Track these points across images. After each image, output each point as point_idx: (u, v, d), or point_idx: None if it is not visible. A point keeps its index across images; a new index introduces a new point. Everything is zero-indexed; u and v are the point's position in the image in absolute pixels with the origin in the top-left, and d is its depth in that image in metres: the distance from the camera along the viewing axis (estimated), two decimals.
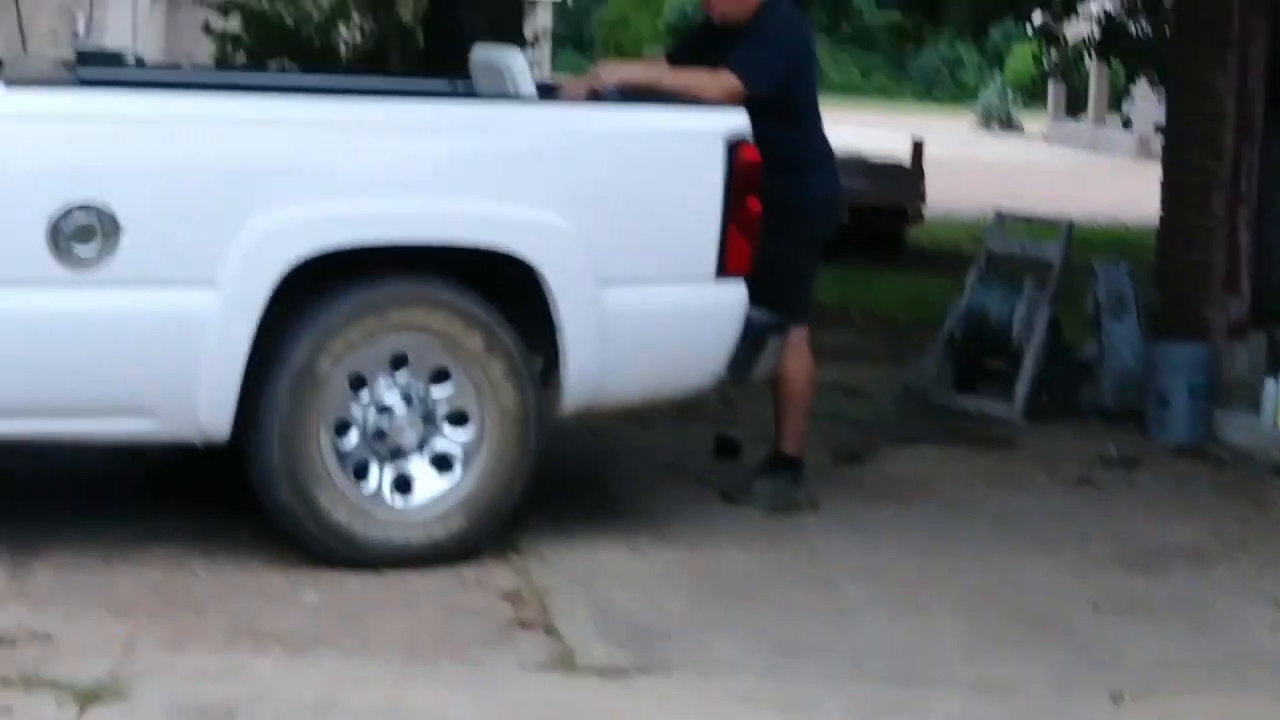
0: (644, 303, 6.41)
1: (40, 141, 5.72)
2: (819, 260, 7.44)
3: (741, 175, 6.44)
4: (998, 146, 42.42)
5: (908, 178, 18.16)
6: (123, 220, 5.70)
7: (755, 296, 6.63)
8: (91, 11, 37.40)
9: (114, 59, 28.52)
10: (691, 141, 6.50)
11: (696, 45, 7.49)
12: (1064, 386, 9.56)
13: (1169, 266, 9.93)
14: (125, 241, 5.72)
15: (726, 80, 6.83)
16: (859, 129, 26.80)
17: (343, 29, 17.49)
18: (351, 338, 6.04)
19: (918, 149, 18.44)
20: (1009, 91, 52.81)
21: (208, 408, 5.91)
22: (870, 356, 11.06)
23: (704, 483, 7.62)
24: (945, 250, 18.33)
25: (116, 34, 39.64)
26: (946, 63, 64.56)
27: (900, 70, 64.26)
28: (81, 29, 36.30)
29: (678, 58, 7.39)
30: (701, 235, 6.43)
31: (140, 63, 30.71)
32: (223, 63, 17.77)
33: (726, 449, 8.15)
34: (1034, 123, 49.72)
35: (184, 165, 5.85)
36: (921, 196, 18.04)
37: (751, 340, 6.65)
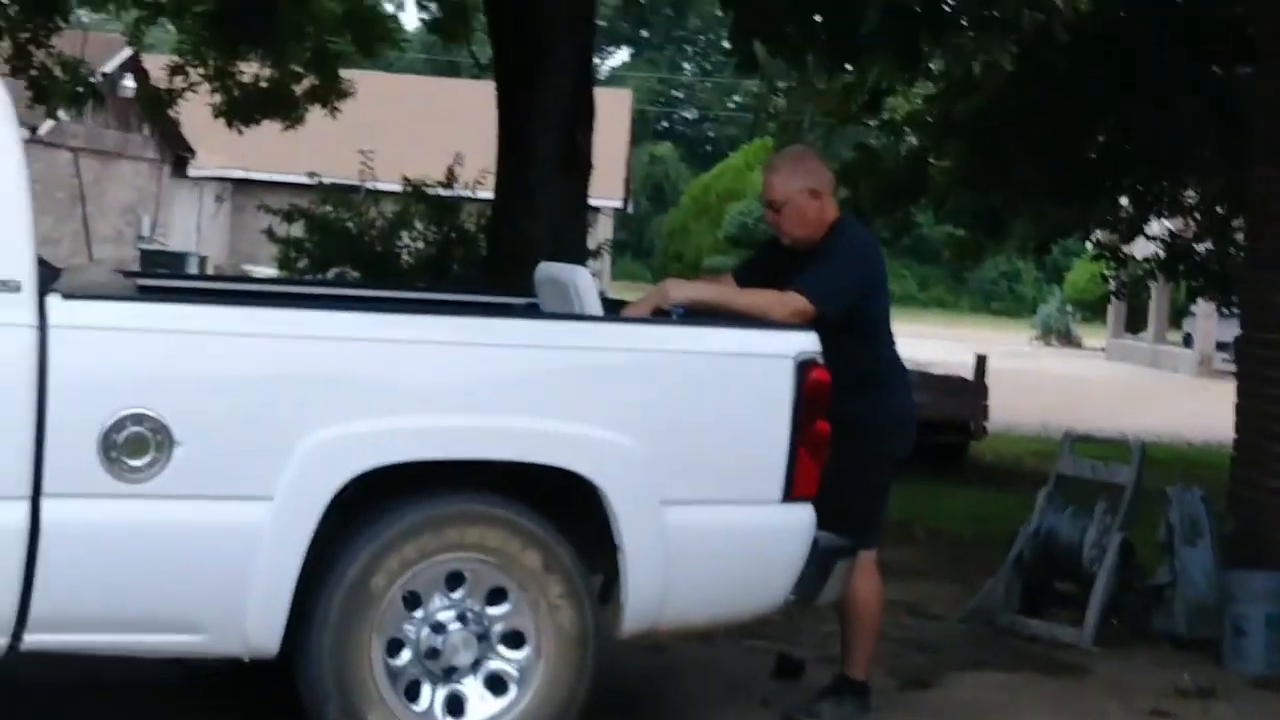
0: (708, 524, 6.25)
1: (95, 352, 5.61)
2: (891, 481, 7.29)
3: (811, 396, 6.30)
4: (1057, 361, 42.37)
5: (971, 392, 18.03)
6: (177, 433, 5.60)
7: (826, 517, 6.47)
8: (157, 214, 37.92)
9: (176, 261, 28.83)
10: (760, 362, 6.37)
11: (764, 263, 7.39)
12: (1136, 612, 9.34)
13: (1244, 492, 9.74)
14: (179, 454, 5.60)
15: (795, 302, 6.73)
16: (917, 341, 26.76)
17: (405, 236, 17.55)
18: (408, 555, 5.90)
19: (981, 363, 18.33)
20: (1069, 306, 52.89)
21: (257, 622, 5.75)
22: (934, 574, 10.87)
23: (766, 704, 7.40)
24: (1008, 465, 18.19)
25: (181, 235, 40.19)
26: (1005, 276, 64.79)
27: (958, 282, 64.54)
28: (147, 230, 36.79)
29: (745, 275, 7.30)
30: (769, 457, 6.28)
31: (203, 264, 31.07)
32: (285, 267, 17.88)
33: (789, 669, 7.94)
34: (1093, 337, 49.75)
35: (242, 378, 5.75)
36: (985, 412, 17.90)
37: (819, 564, 6.48)
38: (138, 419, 5.56)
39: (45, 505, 5.51)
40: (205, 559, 5.68)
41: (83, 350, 5.58)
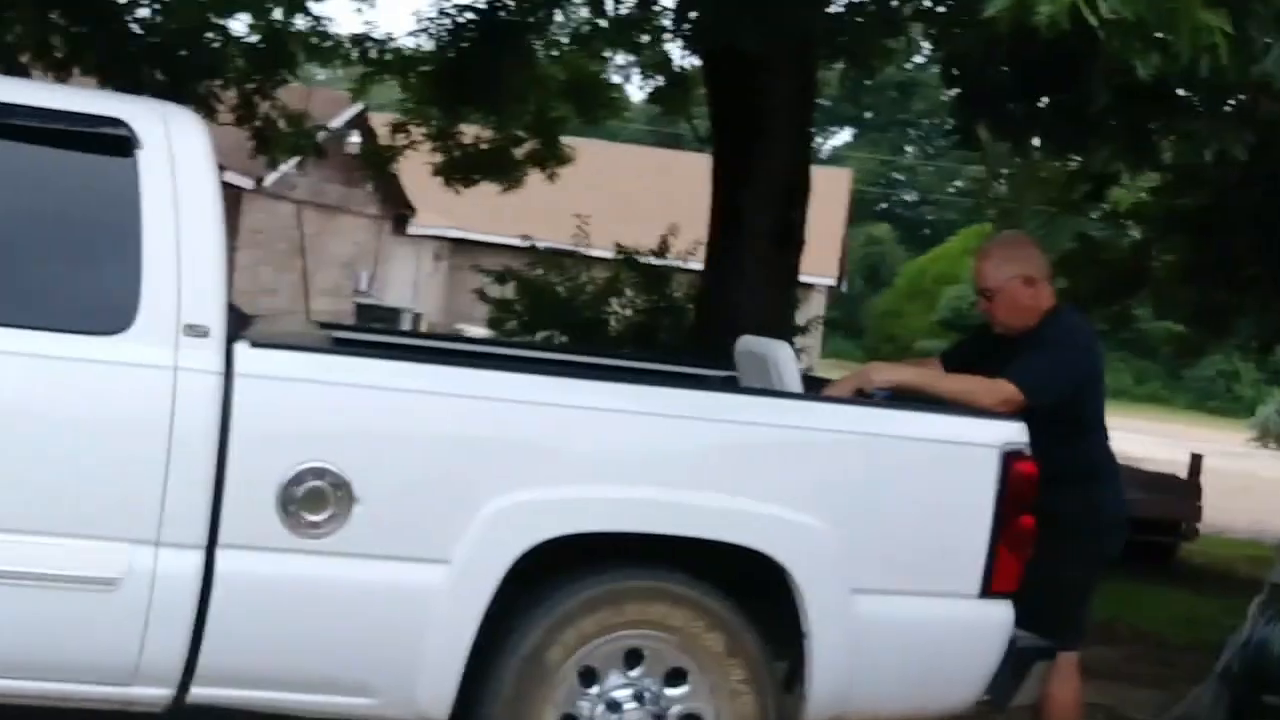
0: (900, 616, 6.00)
1: (280, 402, 5.50)
2: (1098, 581, 6.98)
3: (1016, 489, 6.02)
4: (1274, 464, 41.28)
5: (1183, 491, 17.52)
6: (357, 490, 5.47)
7: (1027, 614, 6.19)
8: (375, 269, 38.34)
9: (391, 316, 29.20)
10: (964, 451, 6.10)
11: (974, 349, 7.15)
12: None
13: None
14: (358, 511, 5.47)
15: (1005, 389, 6.47)
16: (1130, 435, 26.19)
17: (615, 303, 17.52)
18: (586, 629, 5.73)
19: (1196, 462, 17.82)
20: None
21: (429, 689, 5.59)
22: (1136, 678, 10.52)
23: None
24: (1219, 569, 17.67)
25: (398, 292, 40.61)
26: (1223, 375, 63.50)
27: (1175, 378, 63.30)
28: (364, 285, 37.20)
29: (952, 359, 7.07)
30: (968, 550, 6.01)
31: (417, 321, 31.51)
32: (495, 327, 17.97)
33: None
34: None
35: (426, 437, 5.61)
36: (1198, 513, 17.38)
37: (1016, 664, 6.20)
38: (318, 473, 5.44)
39: (220, 555, 5.41)
40: (378, 621, 5.54)
41: (267, 400, 5.47)
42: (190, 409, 5.39)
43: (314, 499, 5.44)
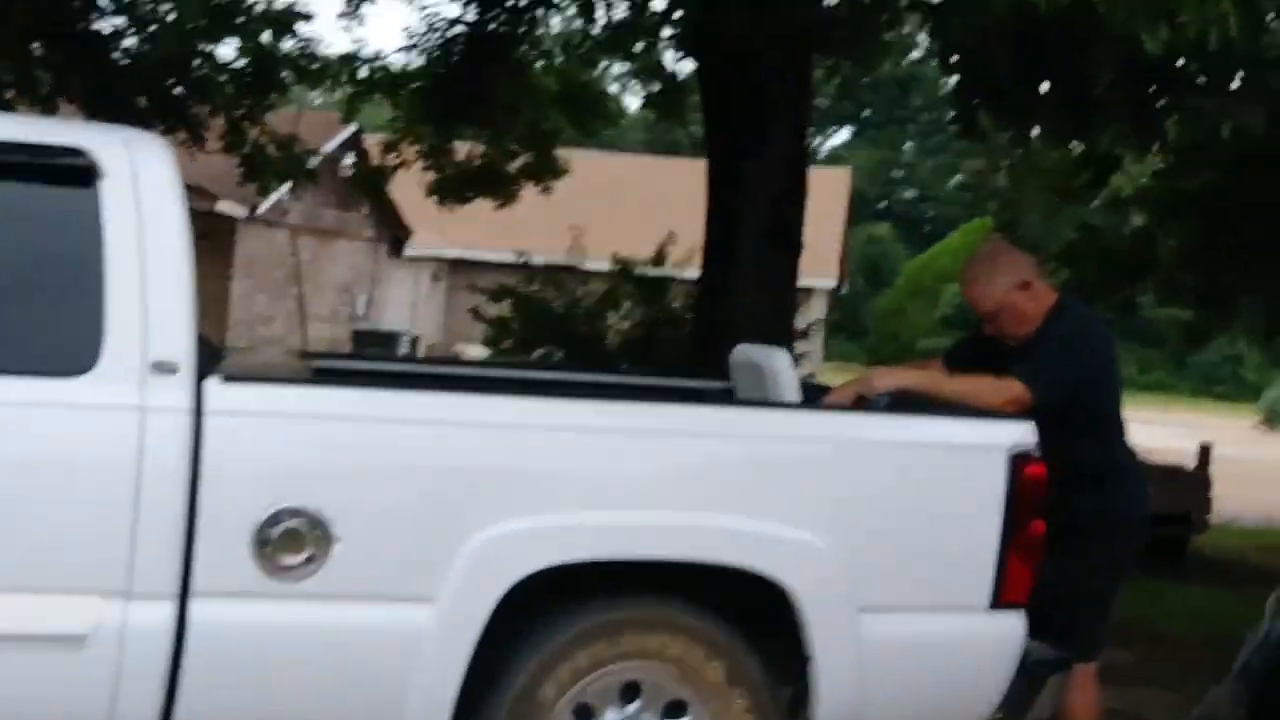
0: (908, 633, 5.78)
1: (253, 440, 5.25)
2: (1118, 589, 6.76)
3: (1025, 494, 5.79)
4: None
5: (1193, 483, 17.30)
6: (336, 528, 5.23)
7: (1042, 626, 5.99)
8: (372, 293, 38.16)
9: (388, 340, 28.99)
10: (970, 455, 5.87)
11: (976, 346, 6.93)
12: None
13: None
14: (338, 551, 5.23)
15: (1012, 388, 6.26)
16: (1137, 425, 25.95)
17: (612, 316, 17.39)
18: (580, 664, 5.51)
19: (1205, 453, 17.60)
20: None
21: None
22: (1151, 679, 10.32)
23: None
24: (1231, 559, 17.48)
25: (396, 314, 40.43)
26: (1228, 359, 63.38)
27: (1179, 365, 63.19)
28: (361, 309, 37.03)
29: (955, 359, 6.87)
30: (976, 560, 5.79)
31: (415, 344, 31.23)
32: (492, 346, 17.84)
33: None
34: None
35: (406, 469, 5.36)
36: (1208, 504, 17.16)
37: (1028, 678, 5.99)
38: (295, 512, 5.20)
39: (193, 605, 5.17)
40: (363, 665, 5.30)
41: (240, 437, 5.23)
42: (159, 450, 5.14)
43: (291, 540, 5.20)
